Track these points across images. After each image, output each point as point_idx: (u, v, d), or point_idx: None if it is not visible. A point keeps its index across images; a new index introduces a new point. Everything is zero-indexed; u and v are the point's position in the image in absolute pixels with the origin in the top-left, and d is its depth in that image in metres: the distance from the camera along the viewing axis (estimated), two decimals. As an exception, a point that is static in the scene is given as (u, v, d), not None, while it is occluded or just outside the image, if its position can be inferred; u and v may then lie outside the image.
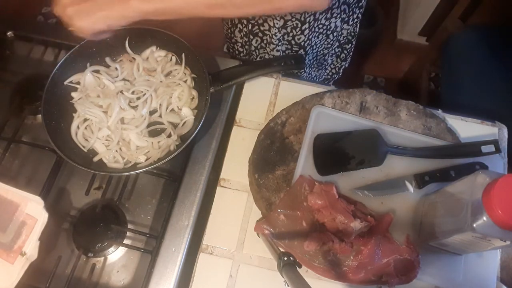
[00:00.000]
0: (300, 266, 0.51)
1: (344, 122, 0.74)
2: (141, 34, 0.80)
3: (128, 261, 0.72)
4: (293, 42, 0.86)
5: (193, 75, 0.80)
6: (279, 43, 0.87)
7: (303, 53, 0.89)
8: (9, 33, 0.87)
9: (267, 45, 0.88)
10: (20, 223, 0.66)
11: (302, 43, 0.86)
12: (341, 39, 0.92)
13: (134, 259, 0.72)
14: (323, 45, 0.91)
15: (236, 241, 0.70)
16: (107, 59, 0.81)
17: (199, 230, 0.72)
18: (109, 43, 0.79)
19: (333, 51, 0.96)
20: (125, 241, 0.72)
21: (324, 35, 0.88)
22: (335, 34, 0.89)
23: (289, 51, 0.89)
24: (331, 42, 0.91)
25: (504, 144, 0.77)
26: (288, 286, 0.48)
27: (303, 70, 0.98)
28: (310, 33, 0.83)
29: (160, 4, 0.59)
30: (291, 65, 0.80)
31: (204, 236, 0.70)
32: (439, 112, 0.79)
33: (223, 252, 0.69)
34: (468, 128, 0.77)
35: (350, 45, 0.97)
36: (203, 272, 0.68)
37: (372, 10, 1.85)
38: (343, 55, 0.99)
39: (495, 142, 0.70)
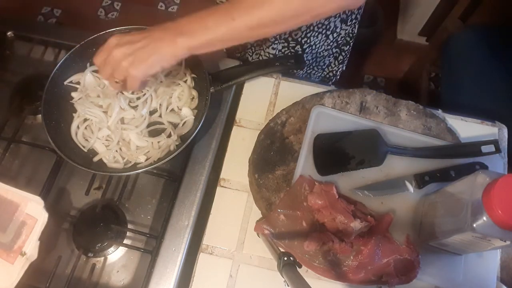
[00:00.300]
0: (300, 266, 0.51)
1: (344, 122, 0.74)
2: (141, 34, 0.80)
3: (128, 261, 0.72)
4: (289, 38, 0.86)
5: (193, 75, 0.80)
6: (275, 41, 0.86)
7: (300, 49, 0.89)
8: (9, 33, 0.87)
9: (263, 42, 0.88)
10: (20, 223, 0.66)
11: (299, 39, 0.86)
12: (339, 39, 0.92)
13: (134, 259, 0.72)
14: (323, 46, 0.91)
15: (236, 241, 0.70)
16: (107, 59, 0.81)
17: (199, 230, 0.72)
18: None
19: (331, 52, 0.96)
20: (125, 241, 0.72)
21: (324, 35, 0.88)
22: (334, 35, 0.89)
23: (286, 48, 0.89)
24: (330, 43, 0.91)
25: (504, 144, 0.77)
26: (288, 286, 0.48)
27: (301, 70, 0.98)
28: (307, 30, 0.83)
29: (206, 37, 0.60)
30: (291, 65, 0.80)
31: (204, 236, 0.70)
32: (439, 112, 0.79)
33: (223, 252, 0.69)
34: (468, 128, 0.77)
35: (348, 46, 0.97)
36: (203, 272, 0.68)
37: (372, 10, 1.85)
38: (340, 57, 0.99)
39: (495, 142, 0.70)
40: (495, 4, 1.39)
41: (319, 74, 1.03)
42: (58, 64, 0.75)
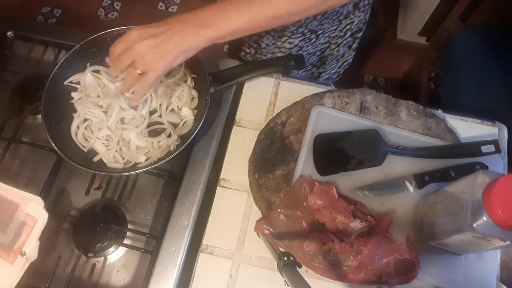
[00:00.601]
0: (300, 266, 0.51)
1: (344, 122, 0.74)
2: (141, 34, 0.80)
3: (128, 261, 0.72)
4: (305, 31, 0.86)
5: (193, 75, 0.80)
6: (292, 35, 0.87)
7: (314, 37, 0.89)
8: (9, 33, 0.87)
9: (278, 40, 0.89)
10: (20, 223, 0.66)
11: (314, 28, 0.86)
12: (353, 27, 0.93)
13: (134, 259, 0.72)
14: (336, 32, 0.91)
15: (236, 241, 0.70)
16: (107, 59, 0.81)
17: (199, 230, 0.72)
18: (109, 43, 0.79)
19: (345, 42, 0.96)
20: (125, 241, 0.72)
21: (337, 21, 0.88)
22: (348, 20, 0.90)
23: (302, 41, 0.89)
24: (343, 30, 0.92)
25: (504, 144, 0.77)
26: (288, 286, 0.48)
27: (317, 67, 0.98)
28: (322, 18, 0.84)
29: (228, 28, 0.61)
30: (291, 65, 0.80)
31: (204, 236, 0.70)
32: (439, 112, 0.79)
33: (223, 252, 0.69)
34: (468, 128, 0.77)
35: (361, 33, 0.97)
36: (203, 272, 0.68)
37: (372, 10, 1.85)
38: (354, 45, 1.00)
39: (495, 142, 0.70)
40: (495, 4, 1.39)
41: (334, 65, 1.03)
42: (58, 64, 0.75)
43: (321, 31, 0.88)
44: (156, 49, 0.61)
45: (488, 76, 1.27)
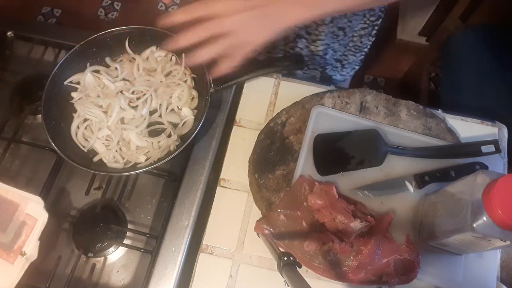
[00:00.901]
0: (300, 266, 0.51)
1: (344, 122, 0.74)
2: (141, 34, 0.80)
3: (128, 261, 0.72)
4: (335, 29, 0.87)
5: (193, 75, 0.80)
6: (325, 38, 0.88)
7: (342, 34, 0.90)
8: (9, 33, 0.87)
9: (311, 44, 0.90)
10: (20, 223, 0.66)
11: (343, 25, 0.87)
12: (375, 17, 0.94)
13: (134, 259, 0.72)
14: (360, 25, 0.92)
15: (236, 241, 0.70)
16: (107, 59, 0.81)
17: (199, 230, 0.72)
18: (109, 43, 0.79)
19: (367, 32, 0.97)
20: (125, 241, 0.72)
21: (361, 15, 0.89)
22: (371, 12, 0.91)
23: (331, 39, 0.90)
24: (367, 22, 0.93)
25: (504, 144, 0.77)
26: (288, 286, 0.48)
27: (341, 60, 1.00)
28: (351, 15, 0.85)
29: (325, 8, 0.62)
30: (291, 65, 0.80)
31: (204, 236, 0.70)
32: (439, 112, 0.79)
33: (223, 252, 0.69)
34: (468, 128, 0.77)
35: (380, 20, 0.98)
36: (203, 272, 0.68)
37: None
38: (374, 31, 1.01)
39: (495, 142, 0.70)
40: (495, 4, 1.39)
41: (358, 56, 1.03)
42: (58, 64, 0.75)
43: (349, 27, 0.89)
44: (257, 23, 0.62)
45: (488, 76, 1.27)
